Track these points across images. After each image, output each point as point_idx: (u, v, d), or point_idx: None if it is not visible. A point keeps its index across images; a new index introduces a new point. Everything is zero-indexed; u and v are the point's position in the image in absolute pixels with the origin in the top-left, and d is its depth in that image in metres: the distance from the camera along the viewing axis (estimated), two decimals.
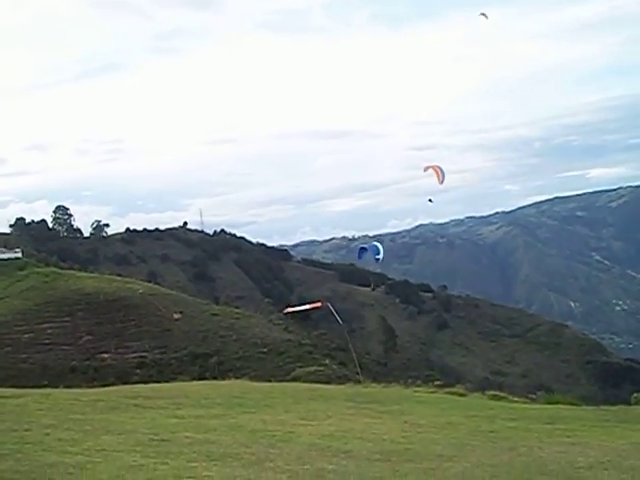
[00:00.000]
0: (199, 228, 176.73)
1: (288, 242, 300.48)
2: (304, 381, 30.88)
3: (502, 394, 24.18)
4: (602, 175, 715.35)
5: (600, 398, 56.15)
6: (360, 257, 36.06)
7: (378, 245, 36.39)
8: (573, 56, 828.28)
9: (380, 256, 34.44)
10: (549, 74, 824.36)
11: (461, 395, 23.52)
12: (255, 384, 25.60)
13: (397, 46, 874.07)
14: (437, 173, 33.34)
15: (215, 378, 31.80)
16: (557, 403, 21.69)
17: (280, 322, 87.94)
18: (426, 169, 33.66)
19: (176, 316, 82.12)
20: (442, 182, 33.39)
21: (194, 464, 9.78)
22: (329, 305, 35.89)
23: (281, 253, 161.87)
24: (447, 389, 25.16)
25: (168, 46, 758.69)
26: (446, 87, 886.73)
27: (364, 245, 37.90)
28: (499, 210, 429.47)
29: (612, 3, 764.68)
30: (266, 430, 12.81)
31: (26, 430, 11.82)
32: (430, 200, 38.16)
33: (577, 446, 12.32)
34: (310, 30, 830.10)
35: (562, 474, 9.80)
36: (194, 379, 32.78)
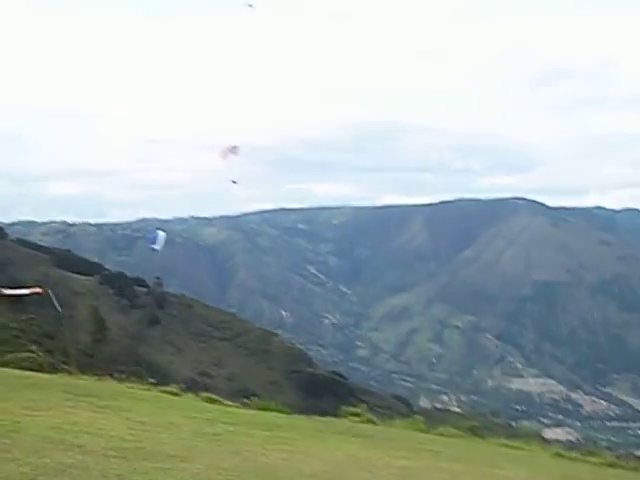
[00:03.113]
0: None
1: (4, 220, 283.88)
2: (15, 367, 29.72)
3: (216, 397, 24.72)
4: (327, 192, 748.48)
5: (302, 407, 58.53)
6: (154, 249, 34.66)
7: (160, 234, 35.23)
8: (313, 72, 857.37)
9: (157, 246, 33.44)
10: (289, 85, 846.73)
11: (175, 394, 23.83)
12: None
13: (145, 32, 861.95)
14: (224, 150, 32.88)
15: None
16: (269, 410, 22.54)
17: None
18: (224, 153, 32.98)
19: None
20: (223, 158, 32.85)
21: None
22: (49, 292, 34.85)
23: None
24: (161, 387, 25.37)
25: None
26: (185, 83, 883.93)
27: (150, 235, 36.65)
28: (223, 213, 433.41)
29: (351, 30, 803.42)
30: None
31: None
32: (234, 182, 35.91)
33: (298, 454, 13.00)
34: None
35: None
36: None
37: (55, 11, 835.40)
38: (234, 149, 33.38)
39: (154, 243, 33.84)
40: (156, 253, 34.65)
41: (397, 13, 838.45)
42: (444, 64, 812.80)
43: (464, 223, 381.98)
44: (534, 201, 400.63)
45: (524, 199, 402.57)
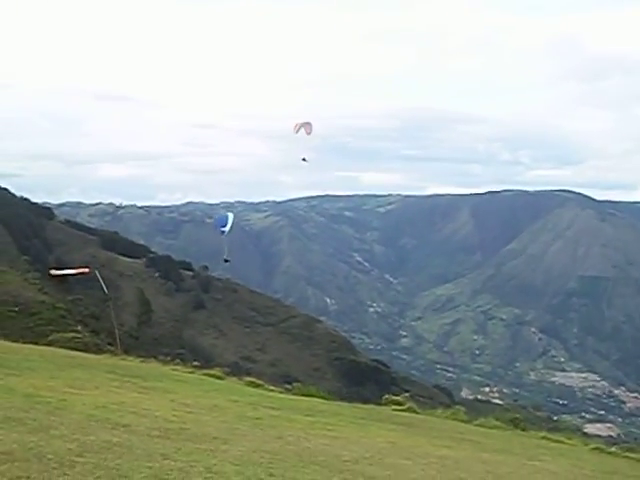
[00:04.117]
0: None
1: (53, 201, 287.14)
2: (61, 347, 30.23)
3: (259, 381, 24.86)
4: (374, 180, 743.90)
5: (344, 394, 58.66)
6: (223, 233, 34.58)
7: (229, 216, 35.22)
8: (363, 61, 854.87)
9: (226, 228, 33.41)
10: (338, 76, 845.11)
11: (219, 378, 24.01)
12: (12, 344, 24.83)
13: (193, 20, 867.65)
14: (306, 128, 33.04)
15: None
16: (311, 396, 22.65)
17: (36, 282, 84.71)
18: (297, 130, 33.20)
19: None
20: (297, 132, 33.03)
21: None
22: (97, 273, 35.21)
23: (44, 211, 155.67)
24: (205, 370, 25.58)
25: None
26: (234, 69, 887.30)
27: (220, 217, 36.71)
28: (270, 199, 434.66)
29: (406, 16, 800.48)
30: (39, 396, 12.56)
31: None
32: (304, 159, 35.63)
33: (339, 440, 13.07)
34: None
35: (332, 466, 10.38)
36: None
37: None
38: (307, 126, 33.29)
39: (224, 225, 33.72)
40: (223, 235, 34.60)
41: (451, 3, 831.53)
42: (495, 55, 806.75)
43: (511, 215, 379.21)
44: (582, 194, 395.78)
45: (572, 192, 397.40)
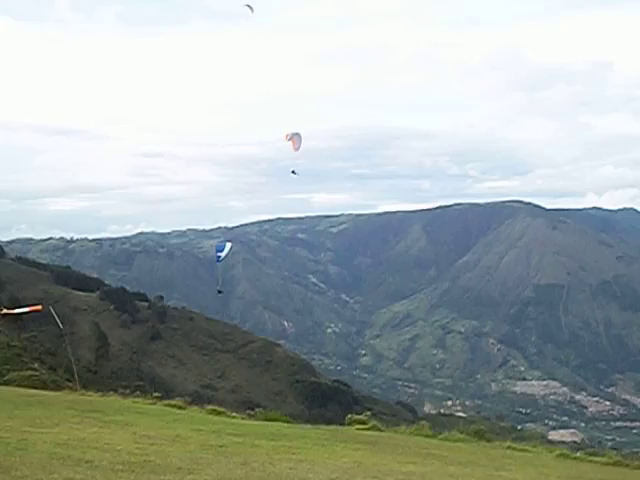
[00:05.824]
0: None
1: (3, 238, 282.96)
2: (18, 385, 29.78)
3: (220, 409, 24.65)
4: (325, 200, 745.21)
5: (307, 416, 58.53)
6: (218, 259, 35.02)
7: (227, 245, 35.51)
8: (309, 83, 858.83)
9: (222, 254, 33.70)
10: (284, 98, 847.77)
11: (180, 408, 23.80)
12: None
13: (137, 49, 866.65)
14: (294, 141, 33.17)
15: None
16: (274, 420, 22.54)
17: None
18: (288, 138, 33.29)
19: None
20: (297, 149, 33.15)
21: None
22: (51, 309, 34.70)
23: None
24: (166, 401, 25.33)
25: None
26: (179, 96, 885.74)
27: (219, 245, 37.08)
28: (222, 225, 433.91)
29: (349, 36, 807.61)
30: None
31: None
32: (293, 172, 35.87)
33: (304, 463, 13.00)
34: (51, 20, 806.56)
35: None
36: None
37: (50, 29, 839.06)
38: (296, 138, 33.46)
39: (221, 251, 34.10)
40: (219, 262, 35.18)
41: (392, 21, 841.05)
42: (439, 70, 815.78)
43: (462, 228, 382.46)
44: (532, 204, 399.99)
45: (522, 202, 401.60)
